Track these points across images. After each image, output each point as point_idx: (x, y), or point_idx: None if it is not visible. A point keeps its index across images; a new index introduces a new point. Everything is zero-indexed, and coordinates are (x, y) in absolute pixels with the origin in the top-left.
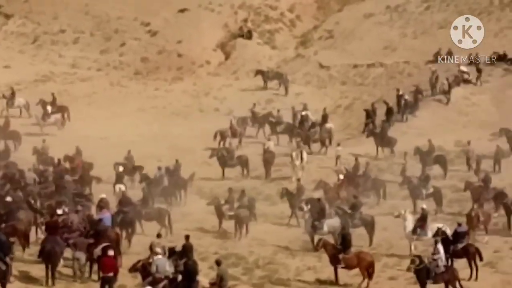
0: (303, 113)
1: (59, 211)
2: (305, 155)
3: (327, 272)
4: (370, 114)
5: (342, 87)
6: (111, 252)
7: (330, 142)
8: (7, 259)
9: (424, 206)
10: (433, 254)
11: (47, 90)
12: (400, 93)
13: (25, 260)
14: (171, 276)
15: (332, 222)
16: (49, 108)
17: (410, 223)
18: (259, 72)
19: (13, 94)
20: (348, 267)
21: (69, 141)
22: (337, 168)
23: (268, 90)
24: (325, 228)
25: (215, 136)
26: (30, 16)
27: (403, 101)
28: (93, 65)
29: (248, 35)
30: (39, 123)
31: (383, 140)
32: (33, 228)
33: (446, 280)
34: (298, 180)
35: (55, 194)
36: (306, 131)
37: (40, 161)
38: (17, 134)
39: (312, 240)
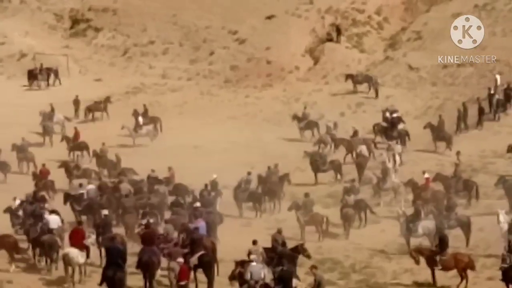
0: (394, 115)
1: (143, 221)
2: (397, 157)
3: (425, 274)
4: (460, 114)
5: (433, 88)
6: (180, 260)
7: (404, 143)
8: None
9: None
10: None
11: (138, 101)
12: (492, 92)
13: None
14: (266, 282)
15: (427, 224)
16: (140, 119)
17: (505, 223)
18: (348, 76)
19: (52, 110)
20: (446, 268)
21: (161, 151)
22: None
23: (358, 93)
24: (420, 230)
25: (315, 144)
26: (119, 29)
27: (494, 100)
28: (183, 75)
29: (338, 34)
30: (131, 135)
31: (439, 134)
32: None
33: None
34: None
35: (149, 205)
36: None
37: (100, 164)
38: (86, 146)
39: (408, 243)
